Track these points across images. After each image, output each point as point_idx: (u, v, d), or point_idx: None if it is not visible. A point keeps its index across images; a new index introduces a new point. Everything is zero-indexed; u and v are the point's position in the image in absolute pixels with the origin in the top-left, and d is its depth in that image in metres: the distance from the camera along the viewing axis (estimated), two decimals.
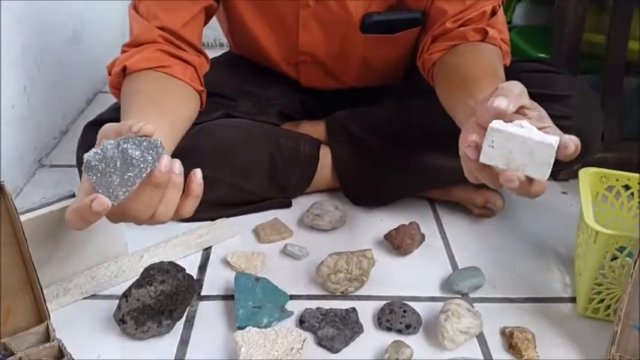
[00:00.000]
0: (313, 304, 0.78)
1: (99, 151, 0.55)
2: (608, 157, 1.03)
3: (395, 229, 0.90)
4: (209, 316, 0.77)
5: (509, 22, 1.42)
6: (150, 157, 0.56)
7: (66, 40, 1.29)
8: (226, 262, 0.86)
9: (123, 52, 0.83)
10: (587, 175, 0.84)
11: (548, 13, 1.38)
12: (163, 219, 0.59)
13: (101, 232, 0.81)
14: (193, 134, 0.88)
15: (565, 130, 0.58)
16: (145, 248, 0.87)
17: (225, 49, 1.16)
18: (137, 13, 0.85)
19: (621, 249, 0.72)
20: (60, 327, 0.69)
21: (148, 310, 0.72)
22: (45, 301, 0.68)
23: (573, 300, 0.81)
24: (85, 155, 0.55)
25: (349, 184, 1.00)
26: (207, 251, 0.89)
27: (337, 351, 0.72)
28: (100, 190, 0.55)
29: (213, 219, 0.95)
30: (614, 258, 0.73)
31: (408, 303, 0.78)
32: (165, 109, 0.73)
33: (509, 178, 0.56)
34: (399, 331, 0.75)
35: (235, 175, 0.94)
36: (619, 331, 0.66)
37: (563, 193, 1.08)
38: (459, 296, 0.81)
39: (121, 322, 0.72)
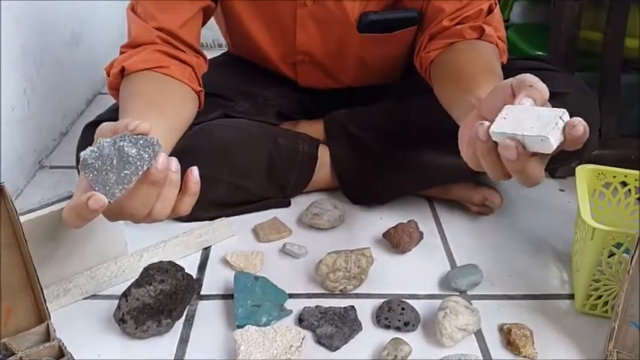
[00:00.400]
0: (312, 303, 0.79)
1: (95, 149, 0.55)
2: (606, 154, 1.04)
3: (393, 227, 0.90)
4: (208, 315, 0.78)
5: (506, 20, 1.42)
6: (146, 155, 0.56)
7: (65, 42, 1.30)
8: (225, 262, 0.86)
9: (121, 53, 0.84)
10: (584, 172, 0.85)
11: (545, 11, 1.39)
12: (160, 217, 0.59)
13: (101, 232, 0.82)
14: (192, 134, 0.88)
15: None
16: (144, 248, 0.88)
17: (224, 50, 1.17)
18: (135, 14, 0.85)
19: (618, 245, 0.72)
20: (60, 327, 0.70)
21: (147, 309, 0.72)
22: (45, 301, 0.68)
23: (571, 296, 0.82)
24: (82, 153, 0.55)
25: (348, 183, 1.01)
26: (206, 251, 0.90)
27: (336, 349, 0.72)
28: (96, 188, 0.55)
29: (212, 219, 0.95)
30: (612, 254, 0.73)
31: (407, 301, 0.78)
32: (164, 110, 0.74)
33: (506, 145, 0.54)
34: (398, 329, 0.75)
35: (234, 175, 0.94)
36: (616, 327, 0.67)
37: (561, 190, 1.08)
38: (457, 293, 0.81)
39: (120, 321, 0.73)
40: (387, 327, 0.75)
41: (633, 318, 0.66)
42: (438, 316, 0.74)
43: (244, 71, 1.07)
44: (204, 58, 0.90)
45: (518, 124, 0.55)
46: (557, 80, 0.86)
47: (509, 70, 0.77)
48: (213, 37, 1.78)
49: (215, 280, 0.84)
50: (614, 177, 0.86)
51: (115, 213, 0.58)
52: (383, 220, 0.97)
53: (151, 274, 0.74)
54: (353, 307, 0.78)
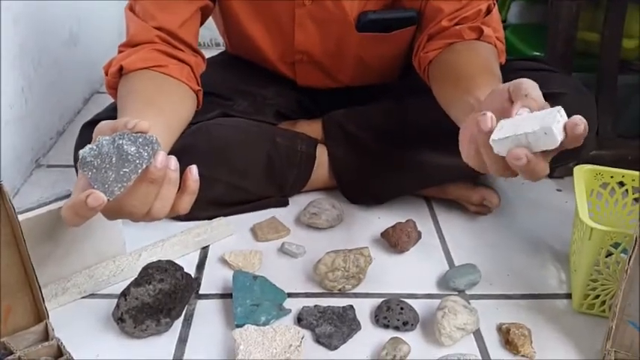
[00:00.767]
0: (311, 302, 0.79)
1: (94, 147, 0.55)
2: (603, 155, 1.04)
3: (392, 226, 0.90)
4: (207, 314, 0.78)
5: (504, 21, 1.43)
6: (145, 153, 0.56)
7: (63, 41, 1.30)
8: (224, 261, 0.86)
9: (119, 52, 0.84)
10: (581, 172, 0.85)
11: (542, 11, 1.39)
12: (159, 215, 0.59)
13: (99, 231, 0.82)
14: (190, 134, 0.88)
15: None
16: (143, 247, 0.88)
17: (222, 49, 1.16)
18: (133, 13, 0.85)
19: (616, 245, 0.72)
20: (59, 326, 0.70)
21: (146, 308, 0.72)
22: (44, 300, 0.68)
23: (569, 296, 0.82)
24: (81, 151, 0.55)
25: (346, 182, 1.01)
26: (205, 250, 0.90)
27: (335, 348, 0.73)
28: (95, 186, 0.55)
29: (210, 218, 0.95)
30: (609, 254, 0.73)
31: (405, 300, 0.78)
32: (162, 109, 0.74)
33: (517, 156, 0.54)
34: (397, 328, 0.75)
35: (232, 175, 0.94)
36: (614, 326, 0.67)
37: (559, 190, 1.08)
38: (456, 293, 0.82)
39: (119, 320, 0.72)
40: (386, 326, 0.75)
41: (631, 317, 0.66)
42: (436, 315, 0.74)
43: (243, 70, 1.07)
44: (203, 57, 0.90)
45: (518, 128, 0.55)
46: (554, 81, 0.87)
47: (507, 71, 0.77)
48: (210, 36, 1.78)
49: (214, 279, 0.84)
50: (612, 177, 0.86)
51: (113, 211, 0.58)
52: (381, 219, 0.97)
53: (150, 273, 0.74)
54: (352, 306, 0.78)
